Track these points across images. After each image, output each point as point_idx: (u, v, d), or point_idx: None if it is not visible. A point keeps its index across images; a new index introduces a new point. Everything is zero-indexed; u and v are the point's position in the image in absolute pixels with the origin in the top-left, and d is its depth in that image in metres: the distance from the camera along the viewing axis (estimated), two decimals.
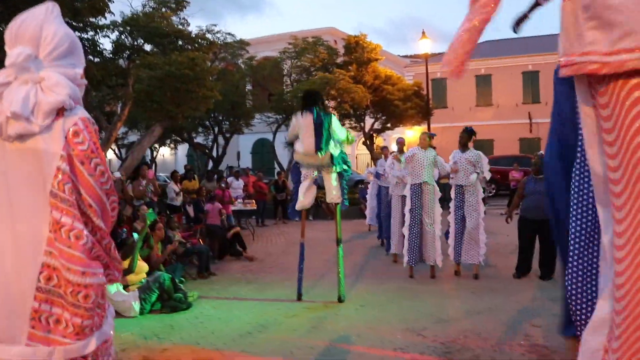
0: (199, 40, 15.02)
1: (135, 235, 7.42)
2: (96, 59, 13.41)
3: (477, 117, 31.34)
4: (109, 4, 10.85)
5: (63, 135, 2.10)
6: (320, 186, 7.56)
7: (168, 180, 13.93)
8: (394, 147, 11.20)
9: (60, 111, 2.13)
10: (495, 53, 33.19)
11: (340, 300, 6.96)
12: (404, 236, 9.53)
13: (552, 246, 7.95)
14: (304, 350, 5.16)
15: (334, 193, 7.13)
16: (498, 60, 33.59)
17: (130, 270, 6.82)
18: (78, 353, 2.09)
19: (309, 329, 5.84)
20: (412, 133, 28.87)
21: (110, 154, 26.64)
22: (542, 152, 11.19)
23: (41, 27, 2.16)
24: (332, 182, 7.09)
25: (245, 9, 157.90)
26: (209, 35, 17.32)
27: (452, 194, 8.42)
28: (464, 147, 8.45)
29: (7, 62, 2.13)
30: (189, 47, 14.88)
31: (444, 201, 9.62)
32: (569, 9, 1.87)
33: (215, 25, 19.66)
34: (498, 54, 33.63)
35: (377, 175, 12.16)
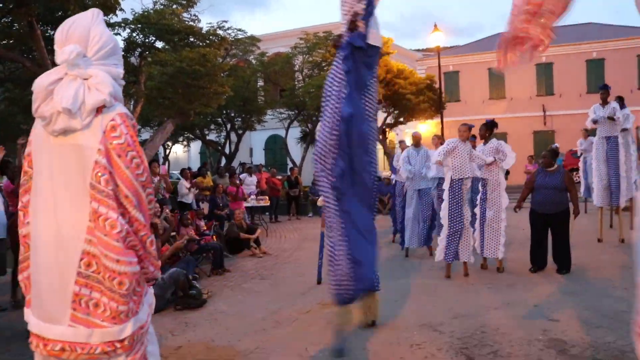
0: (210, 37, 14.98)
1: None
2: None
3: (490, 110, 30.98)
4: (120, 1, 10.81)
5: (101, 130, 2.26)
6: None
7: (180, 178, 13.93)
8: (408, 142, 11.11)
9: (100, 108, 2.29)
10: None
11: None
12: (420, 230, 9.50)
13: (565, 239, 7.84)
14: (319, 347, 5.11)
15: None
16: None
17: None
18: (114, 337, 2.25)
19: (323, 325, 5.78)
20: (425, 127, 28.65)
21: None
22: (556, 144, 11.05)
23: (89, 29, 2.39)
24: None
25: (253, 5, 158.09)
26: (220, 32, 17.29)
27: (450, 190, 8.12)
28: (485, 139, 8.30)
29: (60, 58, 2.33)
30: (200, 43, 14.84)
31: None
32: None
33: (226, 21, 19.71)
34: None
35: (394, 170, 12.10)
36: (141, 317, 2.39)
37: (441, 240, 8.05)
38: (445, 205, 7.99)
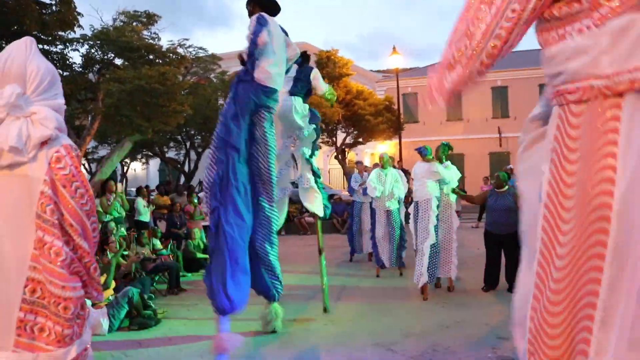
0: (170, 55, 14.97)
1: (110, 254, 7.50)
2: (65, 73, 13.28)
3: (447, 132, 31.69)
4: (79, 18, 10.75)
5: (47, 161, 2.35)
6: (292, 200, 7.65)
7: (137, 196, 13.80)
8: (367, 162, 11.31)
9: (45, 141, 2.37)
10: None
11: (325, 310, 7.08)
12: (391, 250, 9.64)
13: (518, 259, 8.06)
14: None
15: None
16: None
17: (106, 286, 6.76)
18: (58, 359, 2.31)
19: (278, 345, 5.82)
20: (384, 147, 29.08)
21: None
22: (510, 166, 11.40)
23: (25, 65, 2.43)
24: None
25: (215, 24, 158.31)
26: (180, 50, 17.30)
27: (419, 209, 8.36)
28: (439, 160, 8.44)
29: (0, 101, 2.37)
30: (160, 61, 14.82)
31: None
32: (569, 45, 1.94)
33: (187, 39, 19.66)
34: None
35: (351, 190, 12.25)
36: (85, 339, 2.45)
37: (418, 263, 8.16)
38: (418, 228, 8.18)
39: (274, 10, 5.75)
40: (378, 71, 42.77)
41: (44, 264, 2.29)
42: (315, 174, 7.24)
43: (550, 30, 2.00)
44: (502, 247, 8.18)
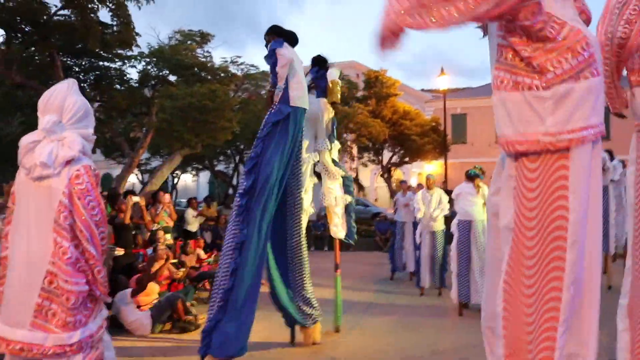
0: (221, 73, 15.58)
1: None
2: (122, 88, 14.03)
3: (496, 153, 31.21)
4: (137, 37, 11.43)
5: (68, 177, 2.85)
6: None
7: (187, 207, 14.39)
8: (413, 181, 11.45)
9: (69, 161, 2.88)
10: (471, 93, 33.53)
11: (336, 330, 7.06)
12: (434, 270, 9.70)
13: None
14: None
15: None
16: (475, 100, 33.89)
17: (142, 288, 7.15)
18: (64, 342, 2.78)
19: (308, 355, 6.08)
20: (431, 167, 29.07)
21: (133, 179, 27.29)
22: None
23: (65, 99, 2.97)
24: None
25: None
26: (232, 67, 17.94)
27: (457, 230, 8.50)
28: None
29: (40, 126, 2.96)
30: (211, 78, 15.44)
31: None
32: (522, 100, 2.26)
33: (239, 57, 20.32)
34: (474, 95, 34.01)
35: (395, 209, 12.42)
36: (90, 327, 2.89)
37: (453, 281, 8.39)
38: (454, 247, 8.32)
39: (292, 40, 5.87)
40: (429, 90, 42.79)
41: (57, 262, 2.79)
42: (347, 190, 7.19)
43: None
44: None
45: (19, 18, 10.48)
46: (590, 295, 2.33)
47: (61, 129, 2.96)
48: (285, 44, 5.62)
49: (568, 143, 2.19)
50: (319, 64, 7.01)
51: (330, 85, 6.77)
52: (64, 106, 2.98)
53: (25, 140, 2.99)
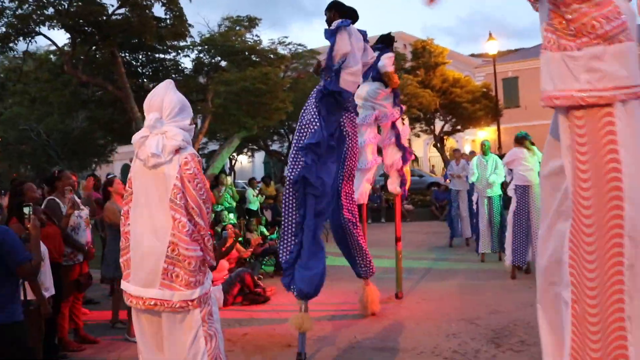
0: (270, 55, 15.99)
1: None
2: (179, 77, 14.66)
3: (550, 116, 30.72)
4: (189, 28, 11.95)
5: (178, 164, 3.37)
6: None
7: (246, 187, 14.97)
8: (467, 149, 11.57)
9: (177, 150, 3.38)
10: (523, 55, 32.50)
11: (397, 296, 7.42)
12: (493, 236, 9.86)
13: None
14: (366, 335, 5.84)
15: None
16: (527, 62, 32.92)
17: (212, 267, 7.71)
18: (187, 297, 3.33)
19: (373, 317, 6.50)
20: (484, 134, 28.80)
21: None
22: None
23: (163, 99, 3.48)
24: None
25: (311, 16, 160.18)
26: (280, 48, 18.32)
27: (515, 195, 8.60)
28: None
29: (145, 124, 3.50)
30: (261, 61, 15.88)
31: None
32: (561, 58, 2.53)
33: (286, 37, 20.74)
34: (527, 56, 32.97)
35: (447, 177, 12.61)
36: (206, 286, 3.45)
37: (507, 245, 8.57)
38: (510, 211, 8.48)
39: (354, 17, 5.86)
40: (478, 55, 42.01)
41: (176, 233, 3.34)
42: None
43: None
44: None
45: (81, 21, 11.14)
46: None
47: (161, 124, 3.46)
48: (350, 27, 5.64)
49: (598, 100, 2.43)
50: (385, 42, 7.36)
51: (388, 76, 7.17)
52: (162, 105, 3.48)
53: (136, 137, 3.50)
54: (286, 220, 5.48)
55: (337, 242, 6.52)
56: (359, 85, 6.29)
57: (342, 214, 6.23)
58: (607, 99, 2.42)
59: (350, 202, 6.31)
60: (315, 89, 5.73)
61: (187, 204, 3.35)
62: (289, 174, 5.46)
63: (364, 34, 6.08)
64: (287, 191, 5.47)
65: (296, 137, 5.58)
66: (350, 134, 6.00)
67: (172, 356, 3.39)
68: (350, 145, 6.05)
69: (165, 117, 3.49)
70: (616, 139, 2.42)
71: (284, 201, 5.54)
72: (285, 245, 5.45)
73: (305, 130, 5.46)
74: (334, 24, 5.59)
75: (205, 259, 3.47)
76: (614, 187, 2.42)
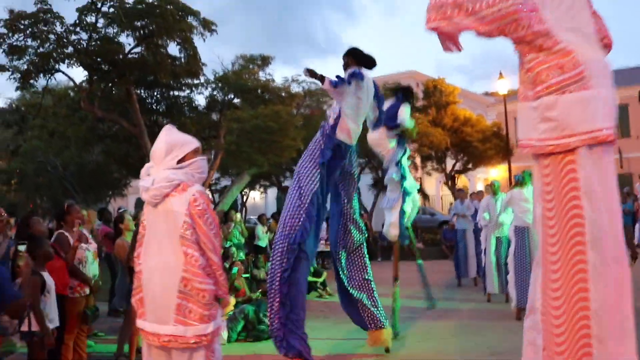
0: (282, 94, 16.30)
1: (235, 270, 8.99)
2: (192, 114, 14.99)
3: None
4: (202, 67, 12.29)
5: (187, 201, 3.51)
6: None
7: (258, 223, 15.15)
8: (479, 187, 11.64)
9: (185, 187, 3.54)
10: (633, 81, 32.46)
11: (395, 334, 7.15)
12: (501, 276, 9.77)
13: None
14: None
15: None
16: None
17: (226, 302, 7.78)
18: (202, 332, 3.43)
19: (370, 357, 6.53)
20: (496, 172, 28.82)
21: None
22: (627, 188, 11.19)
23: (154, 146, 3.72)
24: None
25: (325, 53, 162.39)
26: (294, 85, 18.67)
27: (514, 236, 8.64)
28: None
29: (146, 168, 3.75)
30: (273, 99, 16.18)
31: None
32: (525, 107, 2.68)
33: (300, 75, 21.07)
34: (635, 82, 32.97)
35: (453, 217, 12.68)
36: (217, 321, 3.56)
37: (510, 287, 8.52)
38: (511, 253, 8.48)
39: (370, 65, 5.88)
40: (492, 94, 42.34)
41: (189, 268, 3.44)
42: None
43: None
44: None
45: (99, 59, 11.54)
46: (622, 290, 2.53)
47: (154, 171, 3.66)
48: (365, 81, 5.69)
49: (552, 149, 2.55)
50: (405, 94, 7.44)
51: (409, 133, 7.35)
52: (154, 152, 3.72)
53: (141, 183, 3.68)
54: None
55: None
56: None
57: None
58: (563, 146, 2.54)
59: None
60: (320, 132, 5.79)
61: (199, 239, 3.48)
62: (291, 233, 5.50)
63: (376, 86, 6.07)
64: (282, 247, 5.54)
65: (295, 185, 5.70)
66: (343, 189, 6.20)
67: None
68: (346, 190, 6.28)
69: (156, 164, 3.68)
70: (578, 186, 2.51)
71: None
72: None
73: (305, 180, 5.62)
74: (349, 72, 5.62)
75: (216, 294, 3.57)
76: (577, 232, 2.52)
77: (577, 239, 2.52)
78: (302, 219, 5.46)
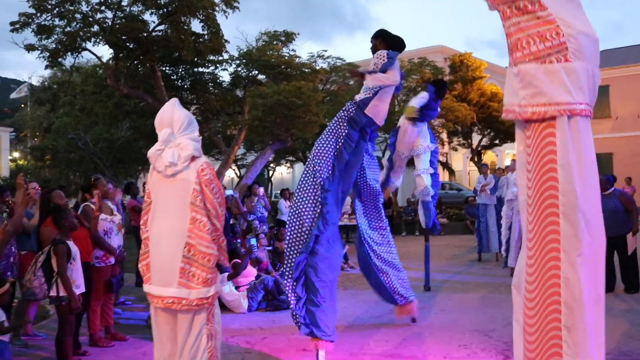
0: (305, 70, 16.37)
1: (253, 241, 9.20)
2: (216, 90, 15.19)
3: (594, 130, 29.95)
4: (225, 44, 12.44)
5: (196, 171, 3.77)
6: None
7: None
8: (507, 162, 11.57)
9: (193, 158, 3.78)
10: (614, 62, 31.86)
11: (426, 288, 8.05)
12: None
13: (632, 259, 8.19)
14: (379, 343, 6.02)
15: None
16: (618, 69, 32.21)
17: (237, 273, 8.00)
18: (204, 295, 3.68)
19: (391, 326, 6.70)
20: None
21: (231, 173, 28.83)
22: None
23: (171, 116, 3.90)
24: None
25: (353, 28, 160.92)
26: (320, 61, 18.69)
27: None
28: None
29: (159, 138, 3.93)
30: (297, 74, 16.25)
31: None
32: (509, 73, 2.75)
33: (325, 50, 21.10)
34: (617, 63, 32.26)
35: (476, 192, 12.67)
36: (218, 286, 3.81)
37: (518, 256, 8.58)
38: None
39: (400, 47, 5.79)
40: None
41: (196, 233, 3.69)
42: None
43: None
44: (615, 249, 8.26)
45: (124, 37, 11.77)
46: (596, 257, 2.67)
47: (174, 138, 3.88)
48: (396, 64, 5.63)
49: (531, 115, 2.60)
50: (438, 89, 7.75)
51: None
52: (172, 121, 3.91)
53: (151, 151, 3.92)
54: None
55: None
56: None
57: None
58: (541, 114, 2.58)
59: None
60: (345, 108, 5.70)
61: (205, 206, 3.73)
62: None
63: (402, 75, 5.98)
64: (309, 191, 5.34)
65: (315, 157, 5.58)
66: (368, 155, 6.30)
67: (180, 350, 3.73)
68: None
69: (176, 132, 3.90)
70: (555, 158, 2.58)
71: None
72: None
73: (322, 155, 5.57)
74: (384, 52, 5.58)
75: (217, 260, 3.80)
76: (551, 204, 2.59)
77: (551, 209, 2.59)
78: (310, 203, 5.29)
